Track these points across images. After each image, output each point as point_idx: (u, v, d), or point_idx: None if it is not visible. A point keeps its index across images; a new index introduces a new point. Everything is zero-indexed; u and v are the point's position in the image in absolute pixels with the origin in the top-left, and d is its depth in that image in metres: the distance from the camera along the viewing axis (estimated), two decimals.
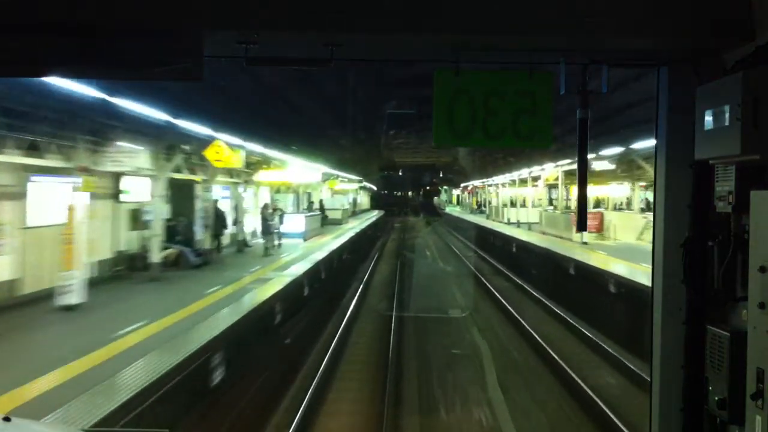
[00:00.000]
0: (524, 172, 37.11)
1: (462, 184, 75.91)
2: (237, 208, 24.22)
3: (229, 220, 22.95)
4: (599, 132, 20.42)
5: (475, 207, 70.04)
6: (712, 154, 2.75)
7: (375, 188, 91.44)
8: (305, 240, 27.69)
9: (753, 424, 2.54)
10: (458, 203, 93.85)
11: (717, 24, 2.74)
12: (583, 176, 3.34)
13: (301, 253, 22.56)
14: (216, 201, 21.69)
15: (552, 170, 31.94)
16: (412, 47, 3.29)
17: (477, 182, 62.74)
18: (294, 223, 29.95)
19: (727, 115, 2.63)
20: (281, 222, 25.63)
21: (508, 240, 30.44)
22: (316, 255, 21.45)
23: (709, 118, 2.74)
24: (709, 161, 2.79)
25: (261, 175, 27.56)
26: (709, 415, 2.86)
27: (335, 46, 2.85)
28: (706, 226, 2.91)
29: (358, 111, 31.98)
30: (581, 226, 4.58)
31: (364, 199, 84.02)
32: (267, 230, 22.93)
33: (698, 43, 2.83)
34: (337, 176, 48.97)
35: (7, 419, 2.23)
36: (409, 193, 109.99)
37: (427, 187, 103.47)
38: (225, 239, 22.45)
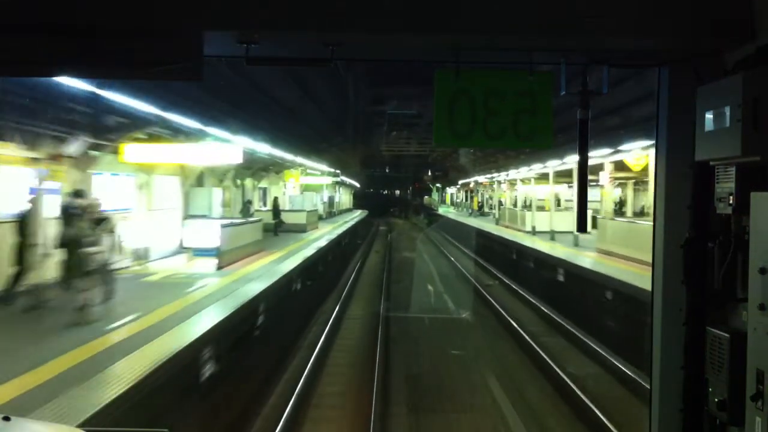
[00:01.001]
0: (569, 161, 26.73)
1: (461, 181, 59.87)
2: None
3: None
4: None
5: (476, 208, 61.40)
6: (712, 155, 2.83)
7: (357, 185, 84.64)
8: (221, 266, 16.65)
9: (753, 426, 2.60)
10: (452, 203, 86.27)
11: (717, 24, 2.82)
12: (583, 176, 3.39)
13: (167, 315, 10.56)
14: (33, 199, 11.47)
15: (638, 154, 21.85)
16: (412, 47, 3.36)
17: (481, 178, 54.80)
18: (204, 235, 19.12)
19: (727, 116, 2.69)
20: (120, 244, 13.26)
21: (551, 264, 20.42)
22: (198, 323, 10.05)
23: (709, 119, 2.80)
24: (710, 162, 2.87)
25: (132, 152, 16.25)
26: (709, 416, 2.93)
27: (335, 46, 2.95)
28: (707, 227, 2.97)
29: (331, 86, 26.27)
30: (581, 227, 4.16)
31: (344, 198, 77.24)
32: (75, 263, 10.40)
33: (698, 43, 2.93)
34: (301, 166, 40.11)
35: (6, 419, 2.26)
36: (397, 192, 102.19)
37: (416, 184, 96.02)
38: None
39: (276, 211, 31.48)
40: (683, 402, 3.06)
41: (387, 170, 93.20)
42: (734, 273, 2.79)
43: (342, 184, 64.56)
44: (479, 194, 59.83)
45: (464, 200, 71.88)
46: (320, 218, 44.39)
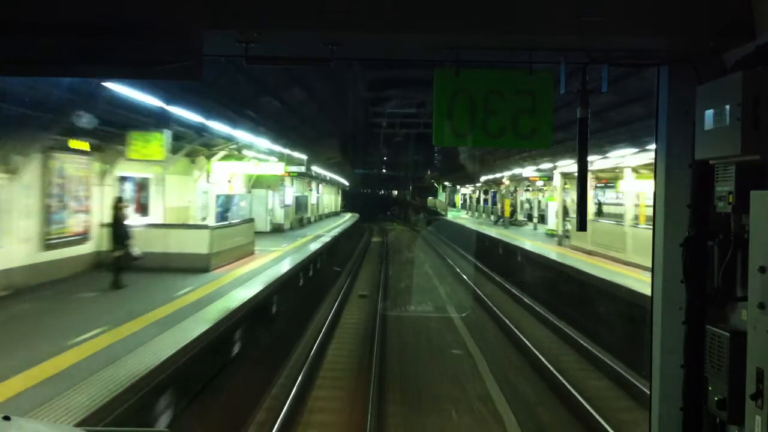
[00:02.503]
0: None
1: (483, 178, 51.62)
2: None
3: None
4: None
5: (508, 215, 43.08)
6: (712, 154, 2.95)
7: (346, 183, 67.70)
8: None
9: (752, 424, 2.66)
10: (466, 207, 67.55)
11: (717, 24, 2.91)
12: (583, 176, 3.43)
13: None
14: None
15: None
16: (412, 47, 3.39)
17: (528, 171, 36.81)
18: None
19: (727, 115, 2.79)
20: None
21: None
22: None
23: (709, 118, 2.92)
24: (709, 161, 3.02)
25: None
26: (709, 415, 3.04)
27: (335, 45, 3.00)
28: (706, 226, 3.09)
29: None
30: (581, 226, 4.78)
31: (327, 199, 58.43)
32: None
33: (698, 43, 3.03)
34: (219, 142, 23.79)
35: (7, 418, 2.19)
36: (394, 192, 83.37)
37: (415, 183, 77.63)
38: None
39: (116, 227, 10.72)
40: (683, 401, 3.15)
41: (383, 166, 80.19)
42: (734, 272, 2.90)
43: (322, 180, 45.65)
44: (512, 196, 45.05)
45: (480, 203, 58.08)
46: (277, 230, 31.85)
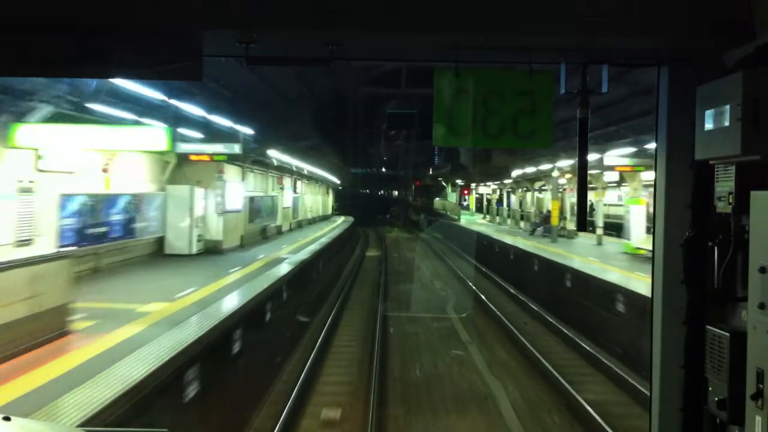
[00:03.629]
0: None
1: (516, 173, 39.05)
2: None
3: None
4: None
5: (555, 223, 31.33)
6: (712, 154, 3.05)
7: (337, 181, 57.24)
8: None
9: (753, 425, 2.71)
10: (482, 210, 55.93)
11: (717, 24, 3.00)
12: (583, 176, 3.45)
13: None
14: None
15: None
16: (412, 47, 3.48)
17: (615, 155, 23.23)
18: None
19: (727, 115, 2.86)
20: None
21: None
22: None
23: (709, 118, 3.02)
24: (709, 161, 3.14)
25: None
26: (709, 415, 3.12)
27: (335, 46, 3.11)
28: (706, 227, 3.18)
29: None
30: (581, 226, 4.49)
31: (313, 201, 46.51)
32: None
33: (698, 43, 3.14)
34: None
35: (7, 419, 2.22)
36: (395, 192, 71.52)
37: (417, 183, 65.82)
38: None
39: None
40: (683, 401, 3.21)
41: (383, 165, 69.59)
42: (734, 272, 2.97)
43: (299, 174, 33.02)
44: (561, 197, 33.75)
45: (504, 205, 47.48)
46: (212, 251, 20.29)
